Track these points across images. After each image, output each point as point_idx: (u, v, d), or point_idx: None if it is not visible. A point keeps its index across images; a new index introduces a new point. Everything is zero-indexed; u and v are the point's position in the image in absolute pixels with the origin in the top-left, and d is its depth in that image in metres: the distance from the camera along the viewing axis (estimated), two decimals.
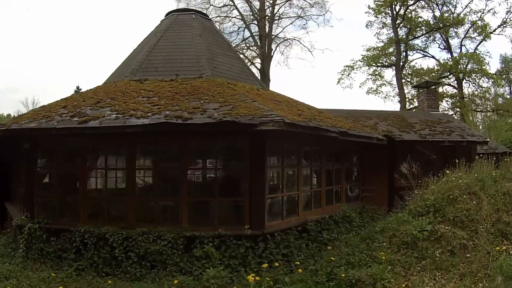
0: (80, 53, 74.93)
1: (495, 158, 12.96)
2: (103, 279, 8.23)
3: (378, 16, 35.97)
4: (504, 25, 35.86)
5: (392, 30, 34.97)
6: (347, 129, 11.00)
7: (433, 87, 20.30)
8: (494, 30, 36.40)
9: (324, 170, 12.24)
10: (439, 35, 37.43)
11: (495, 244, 8.08)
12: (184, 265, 8.52)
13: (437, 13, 35.86)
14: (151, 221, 9.25)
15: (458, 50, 36.87)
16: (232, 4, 34.63)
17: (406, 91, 35.96)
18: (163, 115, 8.63)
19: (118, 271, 8.54)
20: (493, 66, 61.21)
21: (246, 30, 34.66)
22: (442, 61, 35.64)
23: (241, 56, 34.72)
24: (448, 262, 7.74)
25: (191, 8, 17.47)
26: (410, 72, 36.58)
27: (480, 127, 43.84)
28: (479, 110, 37.99)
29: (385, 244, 8.58)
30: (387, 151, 15.20)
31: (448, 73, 34.76)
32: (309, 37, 46.97)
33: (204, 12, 33.69)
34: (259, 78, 34.03)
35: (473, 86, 36.62)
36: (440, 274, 7.47)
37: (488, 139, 17.37)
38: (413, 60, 37.37)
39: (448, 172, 10.49)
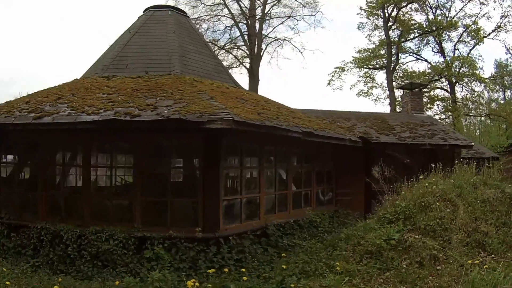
0: (80, 48, 74.42)
1: (476, 163, 12.54)
2: (57, 276, 7.96)
3: (370, 17, 35.62)
4: (499, 30, 35.53)
5: (383, 32, 34.49)
6: (313, 130, 10.59)
7: (418, 89, 19.88)
8: (488, 35, 36.11)
9: (292, 172, 11.85)
10: (433, 39, 37.04)
11: (470, 256, 7.47)
12: (134, 266, 8.21)
13: (431, 16, 35.46)
14: (105, 220, 8.94)
15: (452, 54, 36.55)
16: (223, 2, 34.22)
17: (397, 94, 35.67)
18: (114, 111, 8.31)
19: (72, 269, 8.31)
20: (487, 70, 60.44)
21: (236, 29, 34.16)
22: (434, 64, 35.17)
23: (230, 55, 34.64)
24: (415, 274, 7.06)
25: (168, 4, 17.07)
26: (401, 75, 36.12)
27: (477, 132, 43.35)
28: (471, 114, 37.54)
29: (347, 252, 7.93)
30: (364, 153, 14.83)
31: (440, 76, 34.36)
32: (300, 37, 45.91)
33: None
34: (248, 77, 34.03)
35: (466, 90, 36.29)
36: (404, 287, 6.83)
37: (472, 143, 16.94)
38: (406, 63, 37.07)
39: (422, 177, 9.96)
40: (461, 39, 36.90)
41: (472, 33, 34.18)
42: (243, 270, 7.66)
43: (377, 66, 35.43)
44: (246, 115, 8.46)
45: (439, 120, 18.70)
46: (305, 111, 15.29)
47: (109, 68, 12.48)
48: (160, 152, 9.26)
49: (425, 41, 37.47)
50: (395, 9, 34.32)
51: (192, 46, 13.68)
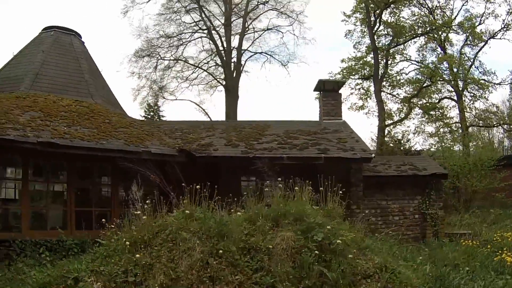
0: None
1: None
2: None
3: (356, 24, 30.59)
4: (507, 28, 29.14)
5: (369, 37, 29.24)
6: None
7: (333, 89, 15.19)
8: (495, 34, 29.74)
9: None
10: (435, 44, 31.17)
11: None
12: None
13: (426, 19, 29.76)
14: None
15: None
16: (201, 18, 30.91)
17: (391, 104, 30.30)
18: None
19: None
20: (502, 75, 51.87)
21: (210, 42, 30.70)
22: (421, 68, 29.25)
23: (205, 72, 31.18)
24: None
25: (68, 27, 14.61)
26: (390, 83, 30.43)
27: (506, 142, 36.11)
28: (480, 125, 30.98)
29: None
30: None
31: (430, 81, 28.43)
32: (286, 50, 41.00)
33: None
34: (225, 95, 30.33)
35: (472, 97, 29.92)
36: None
37: (372, 155, 12.08)
38: (402, 69, 31.05)
39: None
40: (467, 42, 30.83)
41: (468, 30, 28.12)
42: None
43: (365, 75, 30.04)
44: None
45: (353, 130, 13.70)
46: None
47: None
48: None
49: (428, 47, 31.68)
50: (384, 12, 29.08)
51: None
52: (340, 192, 8.15)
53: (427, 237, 13.39)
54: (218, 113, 31.60)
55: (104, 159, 10.17)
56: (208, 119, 29.09)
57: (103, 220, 7.56)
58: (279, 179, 8.13)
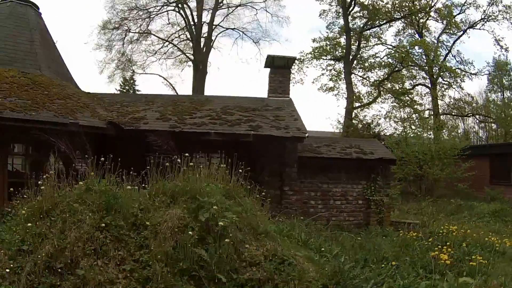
0: None
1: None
2: None
3: (331, 4, 29.35)
4: (486, 19, 28.22)
5: (343, 18, 28.05)
6: None
7: (284, 66, 14.06)
8: (475, 24, 28.81)
9: None
10: (414, 31, 30.10)
11: None
12: None
13: (405, 3, 28.57)
14: None
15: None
16: None
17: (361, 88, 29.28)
18: None
19: None
20: (479, 65, 51.40)
21: (181, 16, 29.29)
22: (392, 52, 28.19)
23: (176, 47, 29.85)
24: None
25: None
26: (362, 66, 29.34)
27: (481, 133, 35.40)
28: (453, 114, 30.20)
29: None
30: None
31: (401, 65, 27.42)
32: (260, 28, 39.34)
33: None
34: (192, 70, 29.14)
35: (447, 85, 29.06)
36: None
37: (306, 135, 11.02)
38: (377, 53, 29.94)
39: None
40: (445, 30, 29.83)
41: (444, 17, 27.08)
42: None
43: (338, 56, 28.87)
44: None
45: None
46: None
47: None
48: None
49: (406, 32, 30.62)
50: None
51: None
52: (248, 168, 7.18)
53: (370, 224, 12.47)
54: (186, 89, 30.27)
55: (34, 130, 9.39)
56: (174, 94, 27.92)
57: (11, 189, 7.11)
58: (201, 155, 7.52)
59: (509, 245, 10.00)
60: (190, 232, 5.61)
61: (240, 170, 7.31)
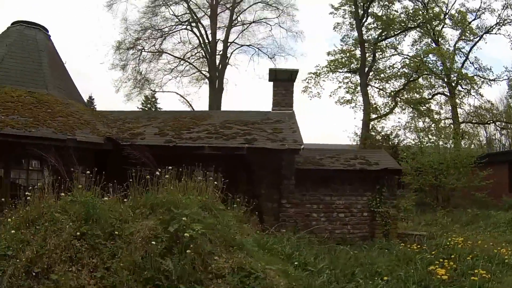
0: None
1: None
2: None
3: (345, 17, 29.19)
4: (502, 23, 27.49)
5: (357, 31, 27.84)
6: None
7: (287, 79, 14.00)
8: (490, 29, 28.10)
9: None
10: (430, 40, 29.58)
11: None
12: None
13: (418, 12, 28.19)
14: None
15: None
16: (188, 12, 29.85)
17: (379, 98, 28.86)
18: None
19: None
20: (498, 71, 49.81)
21: (195, 34, 29.68)
22: (405, 60, 27.72)
23: (191, 65, 30.22)
24: None
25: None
26: (378, 77, 28.90)
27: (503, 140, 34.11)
28: (473, 122, 29.33)
29: None
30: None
31: (416, 74, 26.89)
32: (275, 43, 39.29)
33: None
34: (208, 87, 29.41)
35: (466, 93, 28.32)
36: None
37: (301, 147, 10.86)
38: (395, 63, 29.49)
39: None
40: (462, 37, 29.19)
41: (459, 23, 26.51)
42: None
43: (353, 68, 28.59)
44: None
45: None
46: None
47: None
48: None
49: (423, 42, 30.08)
50: (373, 5, 27.66)
51: None
52: (226, 180, 7.18)
53: (376, 237, 12.12)
54: (203, 105, 30.41)
55: (34, 146, 9.66)
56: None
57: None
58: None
59: None
60: (153, 242, 5.67)
61: (218, 183, 7.39)
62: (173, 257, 5.61)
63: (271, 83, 14.07)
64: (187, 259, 5.52)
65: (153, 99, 43.12)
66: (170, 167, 7.24)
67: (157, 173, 6.99)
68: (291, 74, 14.25)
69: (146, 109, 38.59)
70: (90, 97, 45.17)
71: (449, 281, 6.97)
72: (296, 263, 7.24)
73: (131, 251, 5.77)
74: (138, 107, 38.64)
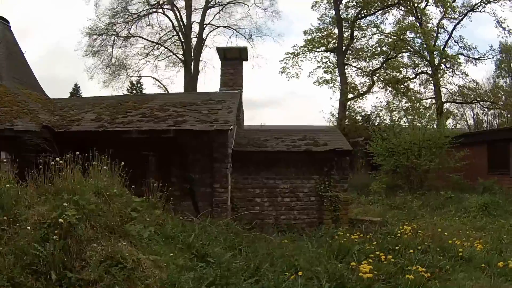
0: None
1: None
2: None
3: None
4: (486, 1, 26.30)
5: (334, 8, 26.75)
6: None
7: (235, 57, 13.18)
8: (476, 7, 26.99)
9: None
10: (414, 19, 28.45)
11: None
12: None
13: None
14: None
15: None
16: None
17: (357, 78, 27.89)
18: None
19: None
20: (482, 50, 48.27)
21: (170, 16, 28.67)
22: (386, 39, 26.61)
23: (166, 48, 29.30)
24: None
25: None
26: (356, 56, 27.87)
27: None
28: (459, 101, 28.37)
29: None
30: None
31: (394, 52, 25.88)
32: (253, 23, 37.79)
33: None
34: (184, 71, 28.52)
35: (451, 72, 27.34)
36: None
37: (230, 127, 10.01)
38: (376, 43, 28.38)
39: None
40: (445, 15, 28.06)
41: (442, 3, 25.40)
42: None
43: (331, 48, 27.55)
44: None
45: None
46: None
47: None
48: None
49: (406, 21, 28.92)
50: None
51: None
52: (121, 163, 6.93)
53: (324, 223, 11.38)
54: (180, 89, 29.42)
55: None
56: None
57: None
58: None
59: (480, 249, 8.55)
60: (28, 228, 5.41)
61: (116, 168, 6.82)
62: (49, 243, 5.28)
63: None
64: (65, 246, 5.26)
65: (139, 85, 42.42)
66: (77, 153, 6.83)
67: (58, 159, 6.54)
68: (240, 53, 13.41)
69: (132, 94, 37.82)
70: (75, 85, 44.64)
71: (374, 279, 6.13)
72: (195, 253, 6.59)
73: (20, 236, 5.50)
74: (123, 93, 37.89)
